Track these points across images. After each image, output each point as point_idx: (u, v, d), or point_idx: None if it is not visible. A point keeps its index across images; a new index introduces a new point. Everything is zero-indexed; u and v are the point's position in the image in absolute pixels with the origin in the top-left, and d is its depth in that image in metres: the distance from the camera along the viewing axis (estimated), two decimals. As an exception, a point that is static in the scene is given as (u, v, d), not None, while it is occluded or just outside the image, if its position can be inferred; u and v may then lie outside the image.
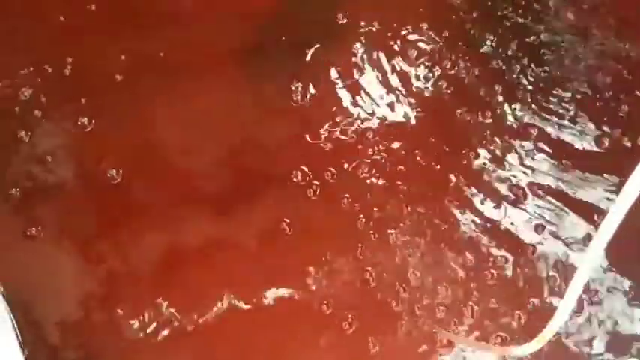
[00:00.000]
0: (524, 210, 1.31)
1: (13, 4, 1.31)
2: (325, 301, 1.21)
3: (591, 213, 1.31)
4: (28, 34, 1.30)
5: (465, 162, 1.32)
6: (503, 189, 1.32)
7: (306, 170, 1.26)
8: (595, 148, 1.34)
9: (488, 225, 1.29)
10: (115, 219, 1.20)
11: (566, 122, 1.35)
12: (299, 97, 1.31)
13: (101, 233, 1.19)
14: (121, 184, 1.21)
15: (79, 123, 1.22)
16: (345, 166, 1.28)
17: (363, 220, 1.25)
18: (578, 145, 1.34)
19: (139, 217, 1.21)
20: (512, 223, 1.30)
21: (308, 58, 1.33)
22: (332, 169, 1.27)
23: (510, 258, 1.28)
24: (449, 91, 1.35)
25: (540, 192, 1.32)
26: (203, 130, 1.27)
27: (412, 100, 1.34)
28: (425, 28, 1.35)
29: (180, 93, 1.28)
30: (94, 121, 1.22)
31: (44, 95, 1.23)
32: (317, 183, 1.26)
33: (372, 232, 1.25)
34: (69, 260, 1.17)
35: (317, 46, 1.33)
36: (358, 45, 1.34)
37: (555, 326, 0.94)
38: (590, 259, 0.87)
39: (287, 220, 1.23)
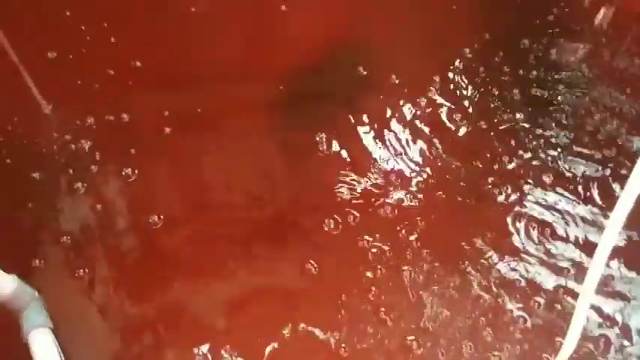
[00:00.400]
0: (550, 249, 1.33)
1: (69, 59, 1.47)
2: (343, 345, 1.22)
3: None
4: (85, 89, 1.46)
5: (487, 202, 1.37)
6: (527, 228, 1.35)
7: (333, 214, 1.33)
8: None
9: (515, 265, 1.31)
10: (156, 262, 1.30)
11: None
12: (325, 147, 1.41)
13: (142, 275, 1.28)
14: (162, 228, 1.31)
15: (124, 173, 1.35)
16: (368, 208, 1.34)
17: (379, 261, 1.30)
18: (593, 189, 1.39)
19: (178, 260, 1.30)
20: (540, 264, 1.31)
21: (331, 110, 1.45)
22: (354, 212, 1.34)
23: (540, 301, 1.28)
24: (467, 137, 1.44)
25: (562, 232, 1.35)
26: (235, 179, 1.38)
27: (432, 146, 1.43)
28: (438, 79, 1.45)
29: (215, 145, 1.41)
30: (137, 171, 1.35)
31: (100, 147, 1.38)
32: (340, 226, 1.33)
33: (388, 272, 1.28)
34: (113, 299, 1.26)
35: (340, 98, 1.45)
36: (379, 96, 1.45)
37: (567, 353, 0.95)
38: (589, 283, 0.88)
39: (313, 263, 1.28)
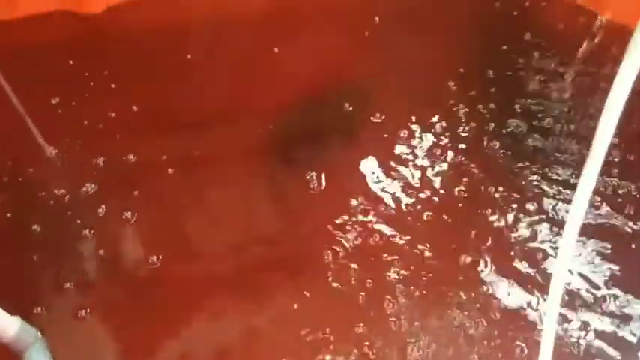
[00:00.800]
0: (543, 275, 1.33)
1: (72, 105, 1.55)
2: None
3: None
4: (88, 132, 1.54)
5: (474, 231, 1.40)
6: (517, 255, 1.37)
7: (324, 249, 1.36)
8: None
9: (506, 293, 1.31)
10: (154, 302, 1.33)
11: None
12: (315, 185, 1.46)
13: (142, 314, 1.32)
14: (160, 268, 1.35)
15: (124, 217, 1.40)
16: (358, 240, 1.38)
17: (364, 294, 1.31)
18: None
19: (175, 300, 1.33)
20: (531, 291, 1.31)
21: (321, 148, 1.51)
22: (345, 244, 1.37)
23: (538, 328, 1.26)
24: (450, 169, 1.48)
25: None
26: (231, 219, 1.43)
27: (417, 178, 1.47)
28: (414, 119, 1.54)
29: (211, 187, 1.46)
30: (136, 214, 1.40)
31: (104, 190, 1.43)
32: (330, 257, 1.36)
33: (374, 305, 1.30)
34: (115, 339, 1.29)
35: (329, 137, 1.52)
36: (366, 133, 1.53)
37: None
38: (552, 300, 0.86)
39: (295, 306, 1.30)
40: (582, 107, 1.58)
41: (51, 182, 1.46)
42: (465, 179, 1.48)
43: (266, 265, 1.38)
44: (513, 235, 1.40)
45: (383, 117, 1.57)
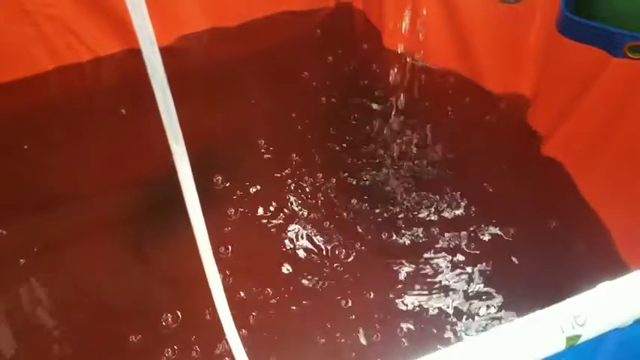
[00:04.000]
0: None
1: None
2: None
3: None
4: None
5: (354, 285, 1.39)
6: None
7: (177, 310, 1.33)
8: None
9: None
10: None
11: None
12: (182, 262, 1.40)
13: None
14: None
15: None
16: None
17: None
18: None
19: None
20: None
21: (179, 219, 1.47)
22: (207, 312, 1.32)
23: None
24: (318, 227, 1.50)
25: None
26: (93, 304, 1.38)
27: (284, 246, 1.47)
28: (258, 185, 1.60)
29: (71, 269, 1.43)
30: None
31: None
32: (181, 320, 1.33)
33: None
34: None
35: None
36: (230, 204, 1.53)
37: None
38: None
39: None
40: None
41: None
42: (337, 237, 1.48)
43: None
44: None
45: (227, 182, 1.59)
